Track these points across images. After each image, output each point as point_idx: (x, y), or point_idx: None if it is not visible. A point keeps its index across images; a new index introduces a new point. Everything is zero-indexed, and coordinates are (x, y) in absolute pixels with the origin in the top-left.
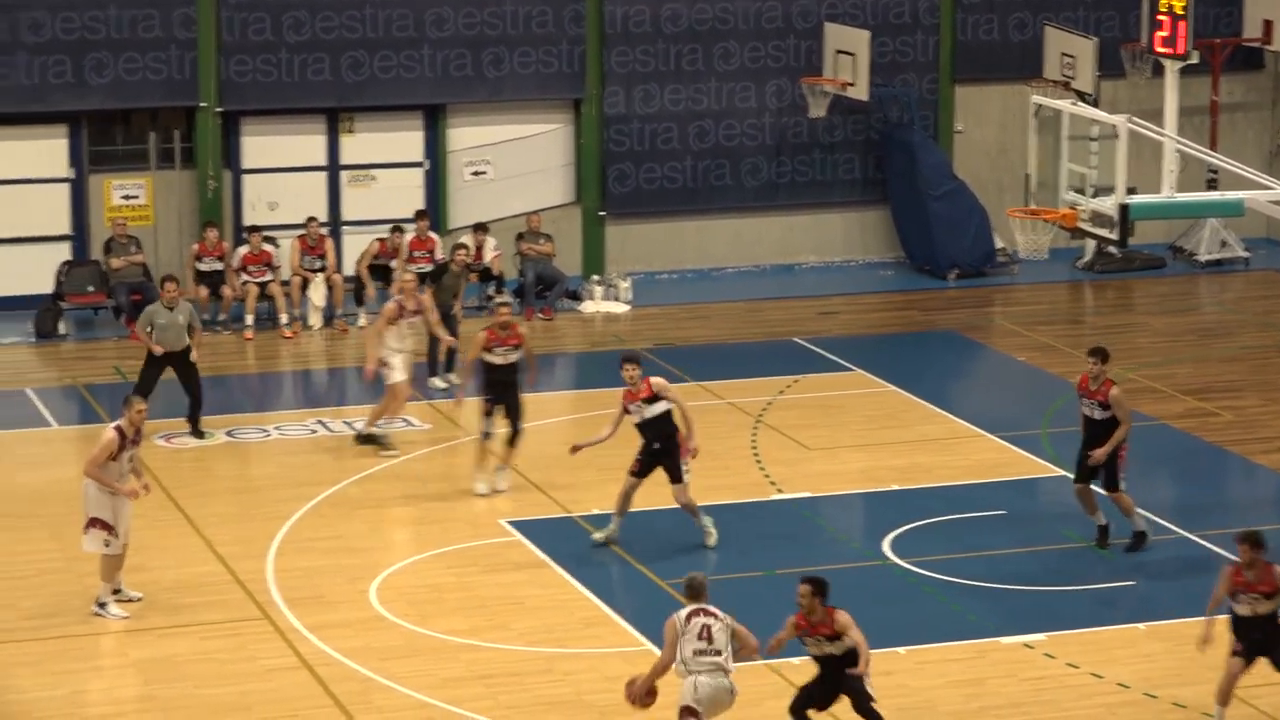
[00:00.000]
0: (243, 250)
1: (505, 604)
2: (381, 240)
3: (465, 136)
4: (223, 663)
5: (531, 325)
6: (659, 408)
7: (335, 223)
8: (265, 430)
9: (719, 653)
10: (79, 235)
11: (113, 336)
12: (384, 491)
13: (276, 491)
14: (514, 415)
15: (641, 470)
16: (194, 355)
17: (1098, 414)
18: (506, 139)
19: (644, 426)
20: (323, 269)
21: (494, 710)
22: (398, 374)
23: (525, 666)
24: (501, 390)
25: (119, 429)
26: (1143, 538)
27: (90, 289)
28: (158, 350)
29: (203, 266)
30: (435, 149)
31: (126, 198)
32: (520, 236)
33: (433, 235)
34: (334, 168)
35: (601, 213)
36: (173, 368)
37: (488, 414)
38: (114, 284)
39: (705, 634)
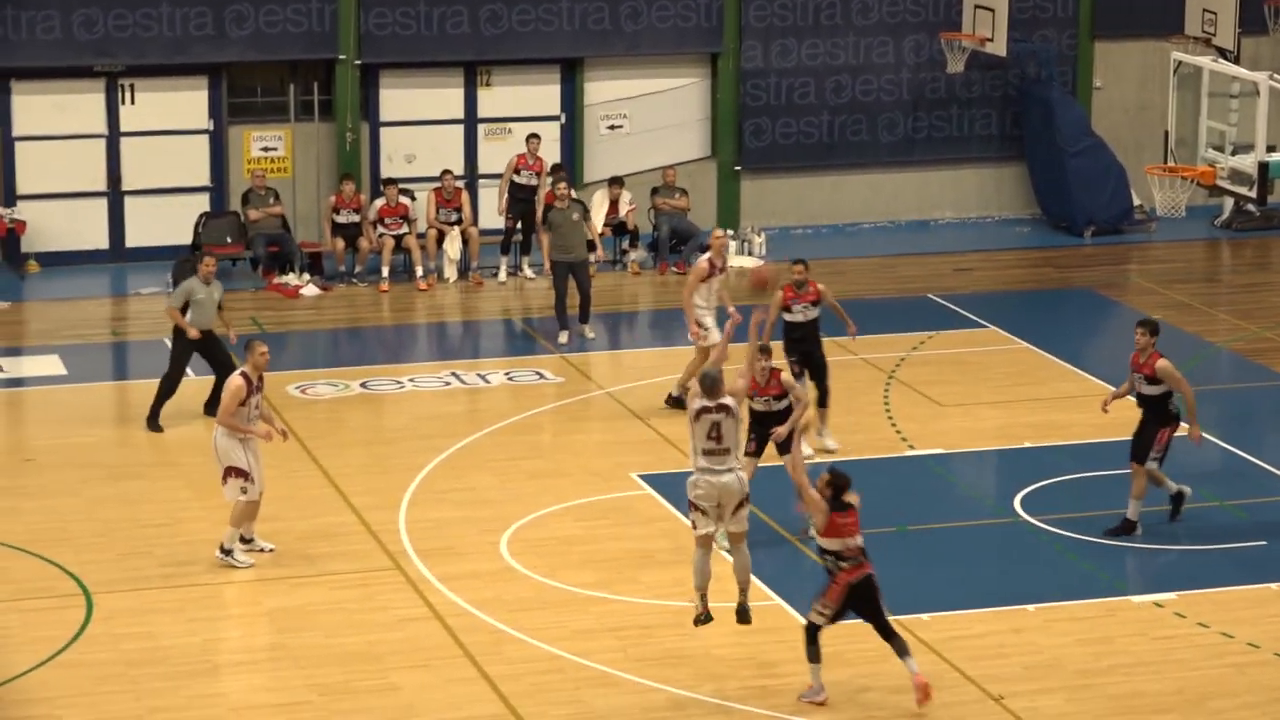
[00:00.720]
0: (379, 203)
1: (635, 557)
2: (521, 155)
3: (602, 90)
4: (354, 612)
5: (665, 279)
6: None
7: (471, 176)
8: (399, 382)
9: (727, 451)
10: (218, 187)
11: (250, 288)
12: (515, 444)
13: (409, 443)
14: (819, 374)
15: None
16: (231, 335)
17: (1145, 388)
18: (643, 93)
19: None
20: (458, 222)
21: (624, 663)
22: (714, 334)
23: (655, 619)
24: (805, 349)
25: (244, 374)
26: (1128, 526)
27: (228, 240)
28: (194, 334)
29: (339, 219)
30: (572, 103)
31: (265, 149)
32: (655, 191)
33: (565, 188)
34: (471, 121)
35: (737, 167)
36: (204, 347)
37: (798, 375)
38: (252, 235)
39: (715, 433)
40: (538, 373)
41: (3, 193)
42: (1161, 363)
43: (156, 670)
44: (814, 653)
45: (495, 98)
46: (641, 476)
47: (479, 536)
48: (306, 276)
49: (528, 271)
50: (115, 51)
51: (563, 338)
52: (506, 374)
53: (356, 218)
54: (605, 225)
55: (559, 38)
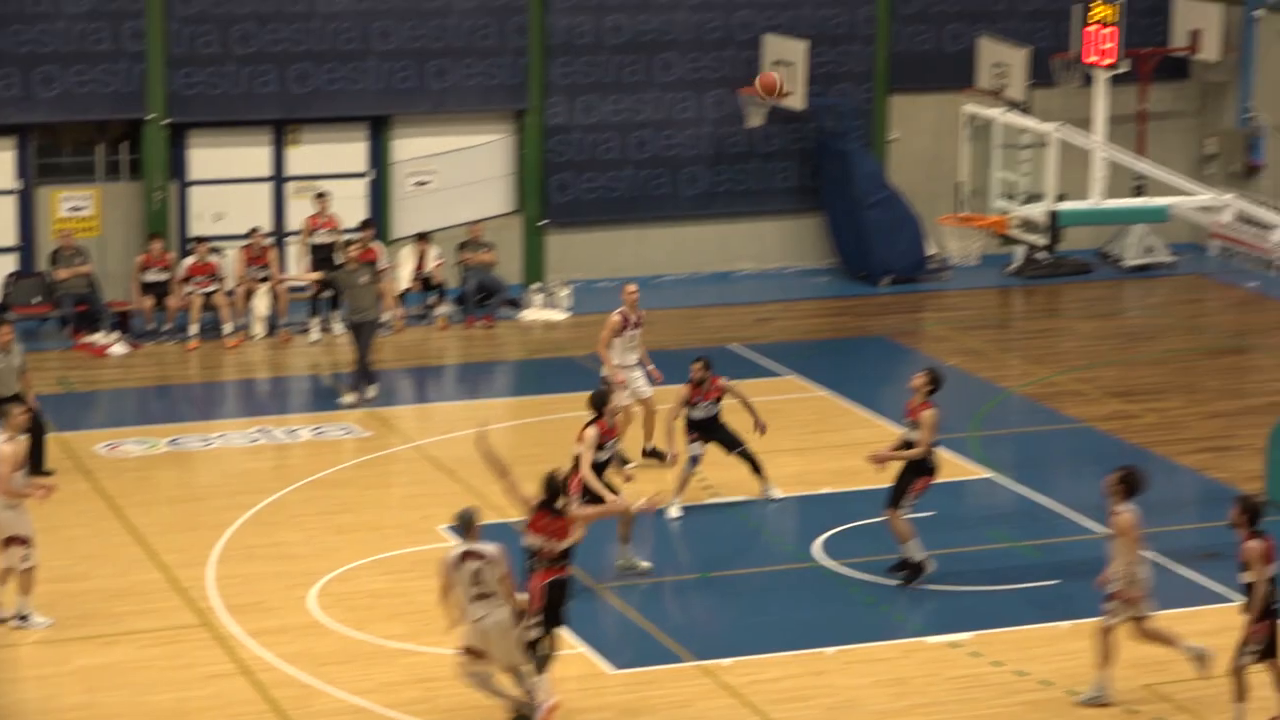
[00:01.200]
0: (188, 261)
1: (441, 609)
2: (313, 216)
3: (409, 147)
4: (163, 669)
5: (471, 333)
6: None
7: (280, 233)
8: (208, 439)
9: (492, 593)
10: (25, 246)
11: (58, 347)
12: (323, 499)
13: (218, 500)
14: (730, 443)
15: None
16: (30, 399)
17: (913, 434)
18: (449, 149)
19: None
20: (267, 279)
21: (432, 714)
22: (644, 388)
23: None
24: (709, 431)
25: (11, 439)
26: (915, 569)
27: (36, 300)
28: None
29: (148, 277)
30: (380, 159)
31: (74, 209)
32: (462, 246)
33: (376, 245)
34: (279, 179)
35: (542, 222)
36: None
37: (695, 440)
38: (60, 295)
39: (476, 578)
40: (345, 428)
41: None
42: (927, 414)
43: None
44: (541, 663)
45: (303, 155)
46: (449, 529)
47: (287, 591)
48: (115, 335)
49: (338, 329)
50: None
51: (348, 397)
52: (314, 429)
53: (165, 276)
54: (413, 280)
55: (366, 96)
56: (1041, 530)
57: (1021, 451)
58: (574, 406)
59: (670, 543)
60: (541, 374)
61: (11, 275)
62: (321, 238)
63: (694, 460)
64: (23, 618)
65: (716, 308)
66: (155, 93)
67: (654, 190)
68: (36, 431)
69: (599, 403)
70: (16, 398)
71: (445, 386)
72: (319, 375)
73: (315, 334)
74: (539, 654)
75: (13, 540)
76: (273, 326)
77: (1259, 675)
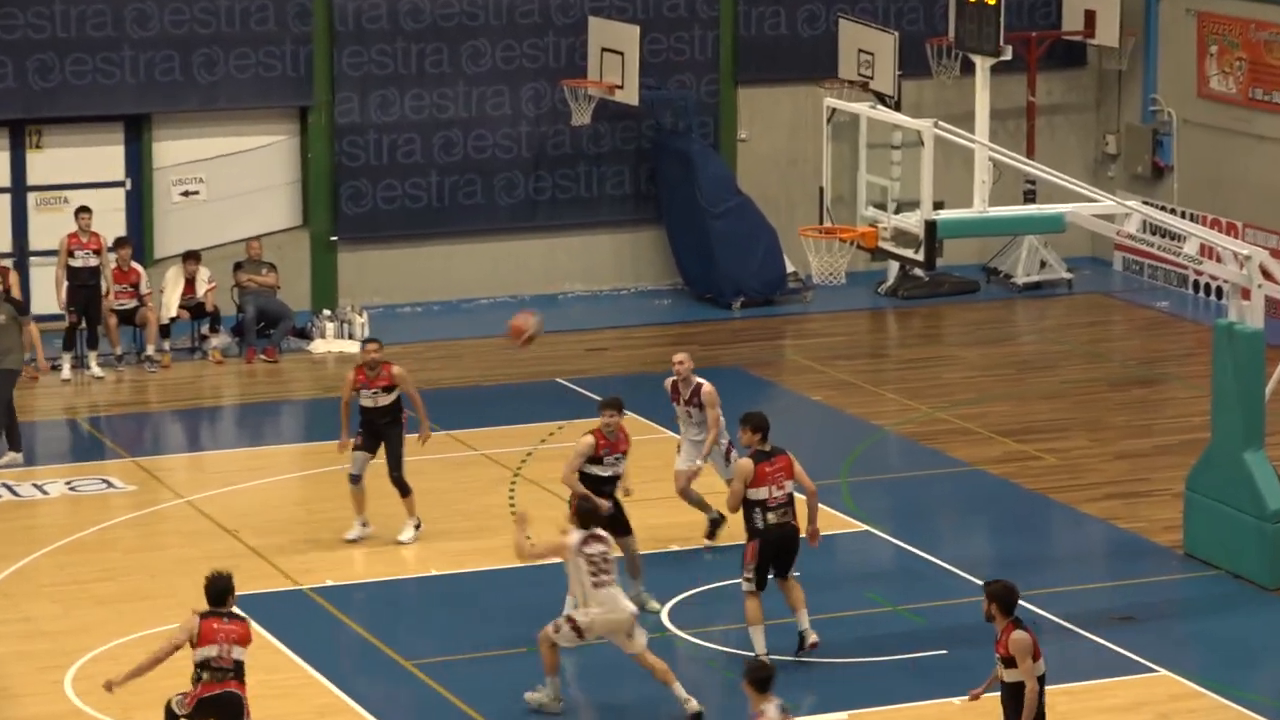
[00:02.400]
0: None
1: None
2: (72, 234)
3: (174, 151)
4: None
5: (253, 368)
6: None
7: (22, 253)
8: None
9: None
10: None
11: None
12: (81, 564)
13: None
14: (392, 460)
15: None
16: None
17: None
18: (222, 153)
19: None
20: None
21: None
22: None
23: None
24: (375, 434)
25: None
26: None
27: None
28: None
29: None
30: (139, 166)
31: None
32: (238, 266)
33: (136, 266)
34: (19, 189)
35: (333, 237)
36: None
37: (357, 449)
38: None
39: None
40: (105, 480)
41: None
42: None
43: None
44: None
45: (48, 161)
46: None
47: (38, 674)
48: None
49: (94, 368)
50: None
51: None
52: (68, 483)
53: None
54: (181, 307)
55: (121, 91)
56: (926, 591)
57: (901, 500)
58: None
59: (489, 612)
60: (334, 414)
61: None
62: (82, 260)
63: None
64: None
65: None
66: None
67: (464, 199)
68: None
69: (605, 406)
70: None
71: (222, 432)
72: (75, 419)
73: (67, 372)
74: None
75: None
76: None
77: None
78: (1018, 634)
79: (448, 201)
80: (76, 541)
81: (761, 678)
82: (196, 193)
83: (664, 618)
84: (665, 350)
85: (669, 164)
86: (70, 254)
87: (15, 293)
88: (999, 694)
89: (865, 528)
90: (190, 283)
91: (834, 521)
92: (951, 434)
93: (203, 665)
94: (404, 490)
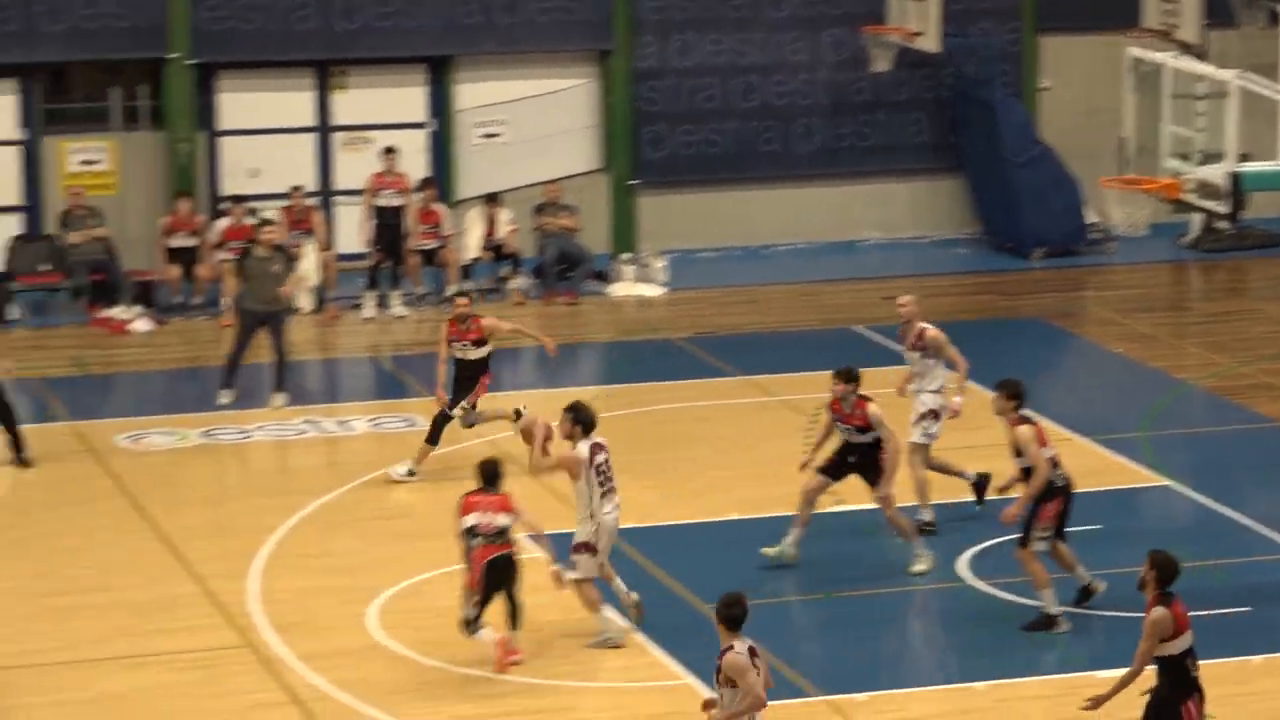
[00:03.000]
0: (223, 223)
1: (531, 628)
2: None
3: (475, 93)
4: (198, 697)
5: (552, 310)
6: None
7: (325, 192)
8: (246, 430)
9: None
10: (31, 206)
11: (71, 322)
12: (383, 501)
13: (259, 501)
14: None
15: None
16: (8, 366)
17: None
18: (522, 96)
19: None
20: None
21: None
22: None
23: (545, 702)
24: (465, 387)
25: None
26: (1047, 623)
27: (44, 268)
28: None
29: (174, 243)
30: (441, 108)
31: (86, 163)
32: (539, 209)
33: (438, 207)
34: (324, 129)
35: (632, 182)
36: None
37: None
38: (72, 262)
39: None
40: (408, 419)
41: None
42: (1022, 430)
43: None
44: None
45: (352, 102)
46: (530, 537)
47: (342, 608)
48: (136, 309)
49: (397, 307)
50: None
51: (223, 397)
52: (371, 420)
53: (194, 241)
54: (483, 248)
55: (423, 33)
56: (1228, 548)
57: (1203, 455)
58: (673, 395)
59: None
60: (634, 357)
61: (15, 239)
62: (387, 199)
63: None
64: None
65: (837, 283)
66: (179, 28)
67: (763, 145)
68: (4, 414)
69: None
70: None
71: (522, 372)
72: (377, 358)
73: (370, 310)
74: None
75: None
76: (320, 301)
77: None
78: (1156, 610)
79: (746, 148)
80: (379, 478)
81: (733, 615)
82: (498, 135)
83: (962, 567)
84: (965, 299)
85: (970, 112)
86: (375, 194)
87: (319, 232)
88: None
89: (1166, 482)
90: (492, 224)
91: (1134, 476)
92: (1256, 389)
93: (470, 532)
94: (433, 439)
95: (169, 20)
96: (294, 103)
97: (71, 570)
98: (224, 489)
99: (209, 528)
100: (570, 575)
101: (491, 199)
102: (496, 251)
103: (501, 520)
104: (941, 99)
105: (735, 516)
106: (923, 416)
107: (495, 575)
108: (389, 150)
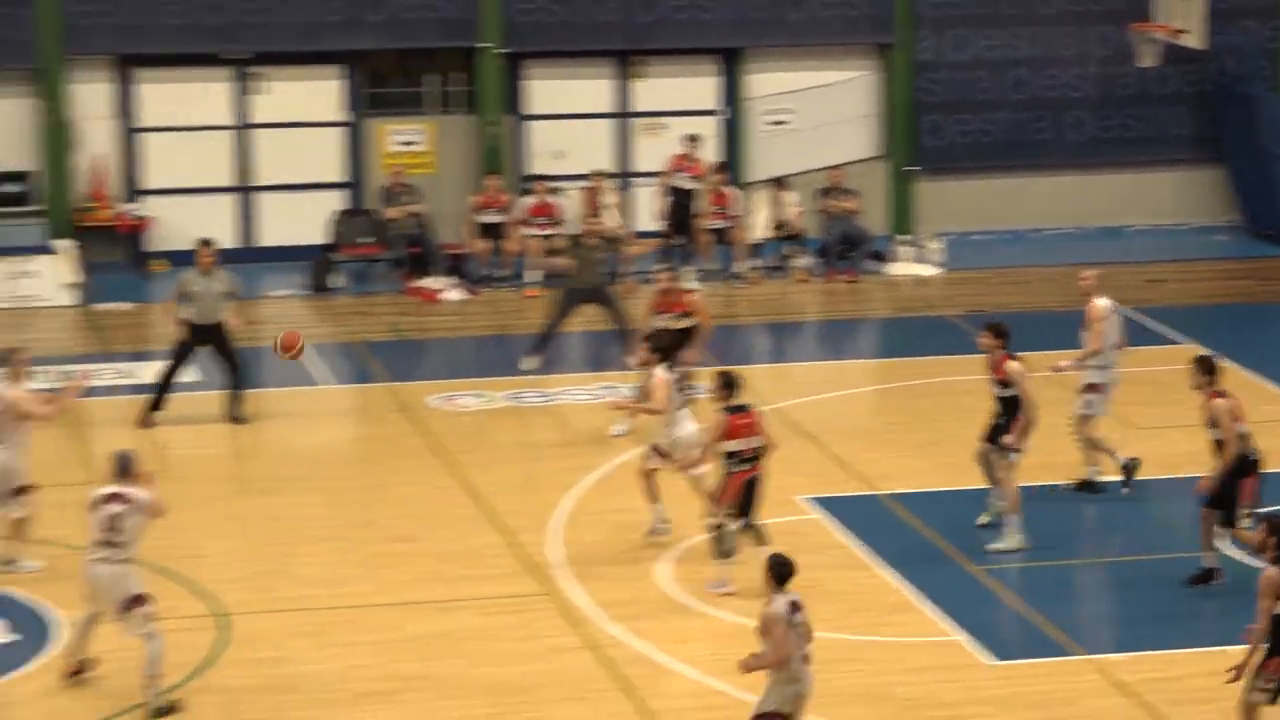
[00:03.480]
0: (528, 201)
1: (803, 586)
2: (679, 156)
3: (764, 83)
4: (502, 641)
5: (833, 287)
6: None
7: (624, 174)
8: (548, 394)
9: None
10: (354, 183)
11: (389, 291)
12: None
13: (560, 460)
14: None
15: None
16: (234, 324)
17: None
18: (808, 86)
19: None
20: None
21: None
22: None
23: (825, 654)
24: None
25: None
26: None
27: (365, 240)
28: (180, 333)
29: (484, 219)
30: (732, 96)
31: (404, 144)
32: (823, 192)
33: (729, 190)
34: (623, 114)
35: (910, 168)
36: (209, 342)
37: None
38: (391, 235)
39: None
40: (697, 387)
41: (126, 187)
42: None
43: (293, 698)
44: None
45: (649, 90)
46: (810, 500)
47: (638, 562)
48: (448, 280)
49: (690, 280)
50: (243, 38)
51: (528, 362)
52: None
53: (502, 217)
54: (770, 228)
55: (717, 26)
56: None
57: None
58: (948, 369)
59: (1052, 525)
60: (910, 334)
61: (340, 213)
62: (683, 182)
63: None
64: (8, 562)
65: (1102, 266)
66: (490, 20)
67: (1034, 135)
68: (238, 373)
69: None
70: (219, 326)
71: (804, 345)
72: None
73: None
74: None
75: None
76: (615, 275)
77: None
78: (1272, 570)
79: (1018, 136)
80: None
81: (779, 571)
82: (785, 122)
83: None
84: (1224, 284)
85: (1231, 107)
86: (672, 174)
87: (616, 212)
88: None
89: None
90: (778, 206)
91: None
92: None
93: (732, 456)
94: None
95: (481, 12)
96: (596, 90)
97: (387, 521)
98: (528, 448)
99: (514, 484)
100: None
101: (778, 182)
102: (781, 230)
103: (756, 442)
104: (1204, 93)
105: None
106: (1084, 389)
107: (748, 495)
108: (693, 137)
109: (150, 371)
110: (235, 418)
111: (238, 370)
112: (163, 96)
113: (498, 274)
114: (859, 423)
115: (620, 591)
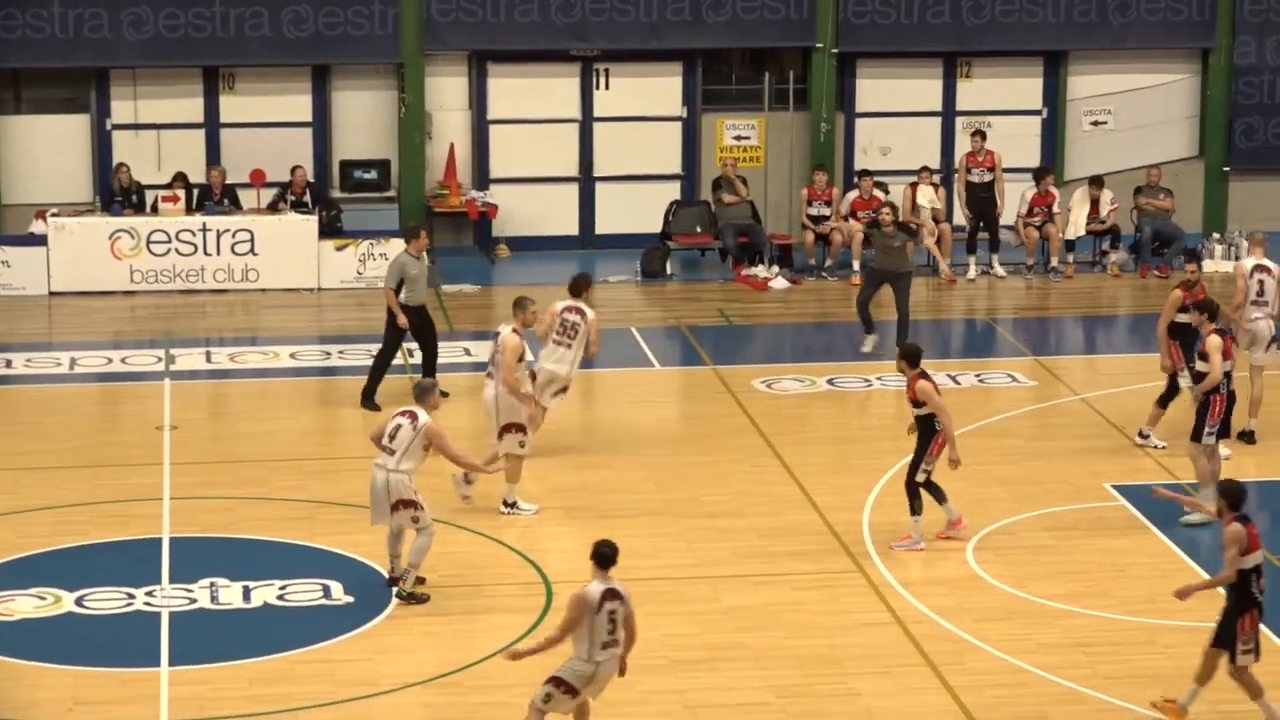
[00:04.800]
0: (852, 195)
1: (1106, 570)
2: (969, 154)
3: (1086, 85)
4: (814, 614)
5: (1146, 282)
6: None
7: (948, 171)
8: (867, 380)
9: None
10: (689, 175)
11: (718, 279)
12: (985, 448)
13: (874, 443)
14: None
15: None
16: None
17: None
18: (1129, 88)
19: None
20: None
21: (1091, 680)
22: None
23: (1125, 636)
24: (1188, 354)
25: (517, 331)
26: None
27: (698, 229)
28: (402, 322)
29: (811, 211)
30: (1054, 97)
31: (738, 138)
32: (1138, 190)
33: (1053, 190)
34: (949, 113)
35: (1226, 168)
36: (415, 324)
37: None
38: (722, 225)
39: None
40: (1010, 375)
41: (476, 176)
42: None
43: None
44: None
45: (975, 90)
46: (1115, 487)
47: (944, 542)
48: (776, 269)
49: (998, 269)
50: (591, 36)
51: (866, 344)
52: (977, 375)
53: (828, 210)
54: (1087, 224)
55: (1043, 29)
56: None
57: None
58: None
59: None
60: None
61: (674, 204)
62: (977, 176)
63: None
64: (511, 504)
65: None
66: (825, 21)
67: None
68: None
69: None
70: (425, 309)
71: (1115, 337)
72: (979, 319)
73: (972, 272)
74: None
75: (510, 427)
76: (934, 267)
77: None
78: (1233, 526)
79: None
80: (982, 427)
81: (603, 556)
82: (1104, 123)
83: None
84: None
85: None
86: (968, 170)
87: (929, 207)
88: None
89: None
90: (1095, 204)
91: None
92: None
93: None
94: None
95: (816, 14)
96: (922, 89)
97: (707, 497)
98: (844, 430)
99: (829, 465)
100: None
101: (1095, 182)
102: (1100, 229)
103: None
104: None
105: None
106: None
107: None
108: (977, 133)
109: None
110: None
111: (434, 355)
112: (513, 90)
113: (823, 264)
114: (1171, 416)
115: (926, 570)
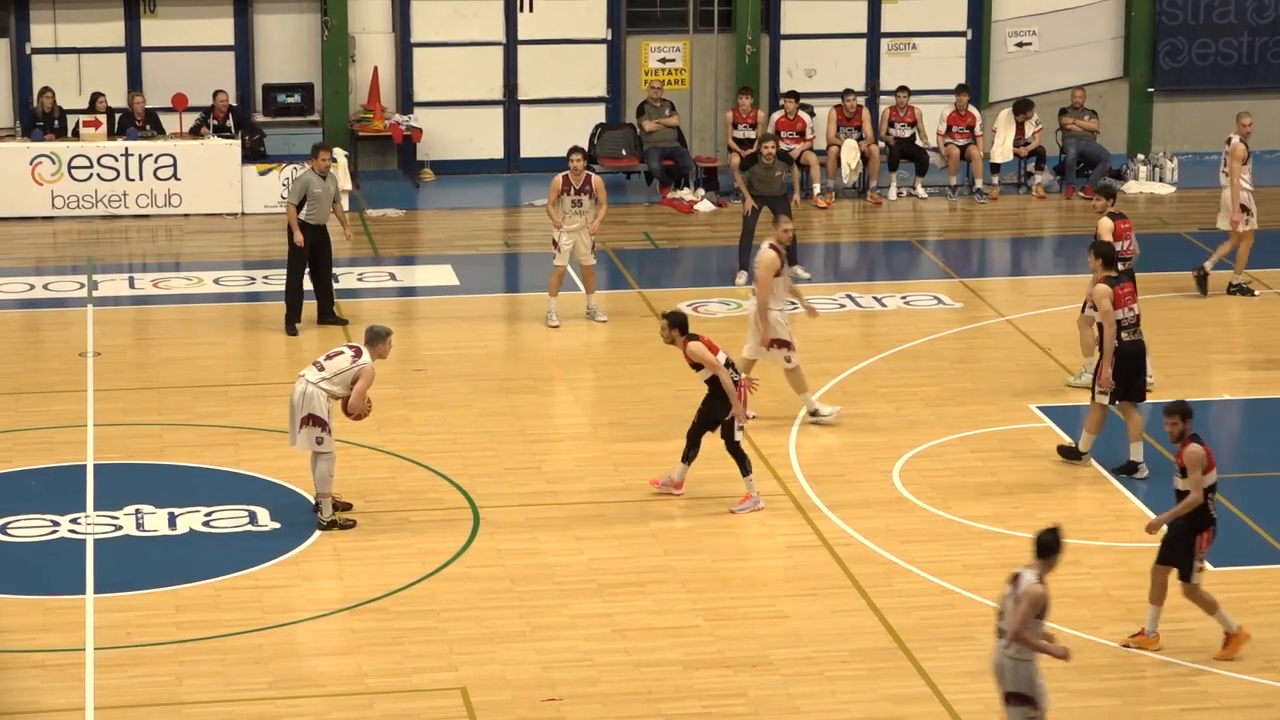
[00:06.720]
0: (776, 116)
1: (1031, 491)
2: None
3: (1010, 6)
4: (741, 537)
5: (1071, 203)
6: None
7: (873, 93)
8: (792, 303)
9: None
10: (614, 98)
11: (644, 202)
12: (911, 370)
13: (806, 365)
14: None
15: None
16: (346, 233)
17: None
18: (1053, 9)
19: None
20: (860, 139)
21: None
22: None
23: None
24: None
25: (774, 247)
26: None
27: (623, 153)
28: (299, 239)
29: (736, 133)
30: (979, 18)
31: (663, 60)
32: (1063, 112)
33: (972, 110)
34: (874, 35)
35: (1150, 89)
36: (318, 244)
37: None
38: (647, 148)
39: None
40: (936, 297)
41: (400, 99)
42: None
43: (541, 588)
44: None
45: (899, 12)
46: (1041, 408)
47: (870, 464)
48: (701, 192)
49: (921, 191)
50: None
51: (739, 278)
52: (903, 297)
53: (753, 133)
54: (1013, 147)
55: None
56: None
57: None
58: (1177, 285)
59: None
60: (1145, 249)
61: (599, 126)
62: (899, 131)
63: None
64: (813, 413)
65: None
66: None
67: (1272, 59)
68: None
69: None
70: (325, 229)
71: (1041, 259)
72: (908, 241)
73: (894, 194)
74: None
75: (777, 343)
76: (863, 189)
77: None
78: (1192, 448)
79: (1257, 60)
80: (909, 349)
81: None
82: (1029, 44)
83: None
84: None
85: None
86: (890, 125)
87: (867, 128)
88: None
89: None
90: (1020, 128)
91: None
92: None
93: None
94: None
95: None
96: (847, 10)
97: (634, 420)
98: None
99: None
100: None
101: (1021, 107)
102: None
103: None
104: None
105: (1226, 396)
106: None
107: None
108: (901, 89)
109: (416, 275)
110: (335, 318)
111: (328, 277)
112: (437, 12)
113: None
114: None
115: (852, 493)
